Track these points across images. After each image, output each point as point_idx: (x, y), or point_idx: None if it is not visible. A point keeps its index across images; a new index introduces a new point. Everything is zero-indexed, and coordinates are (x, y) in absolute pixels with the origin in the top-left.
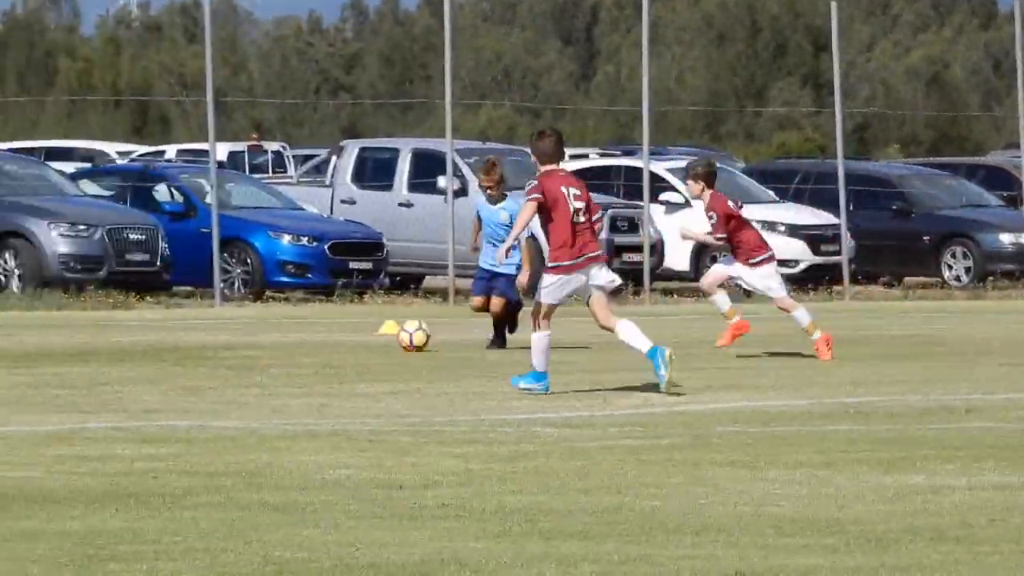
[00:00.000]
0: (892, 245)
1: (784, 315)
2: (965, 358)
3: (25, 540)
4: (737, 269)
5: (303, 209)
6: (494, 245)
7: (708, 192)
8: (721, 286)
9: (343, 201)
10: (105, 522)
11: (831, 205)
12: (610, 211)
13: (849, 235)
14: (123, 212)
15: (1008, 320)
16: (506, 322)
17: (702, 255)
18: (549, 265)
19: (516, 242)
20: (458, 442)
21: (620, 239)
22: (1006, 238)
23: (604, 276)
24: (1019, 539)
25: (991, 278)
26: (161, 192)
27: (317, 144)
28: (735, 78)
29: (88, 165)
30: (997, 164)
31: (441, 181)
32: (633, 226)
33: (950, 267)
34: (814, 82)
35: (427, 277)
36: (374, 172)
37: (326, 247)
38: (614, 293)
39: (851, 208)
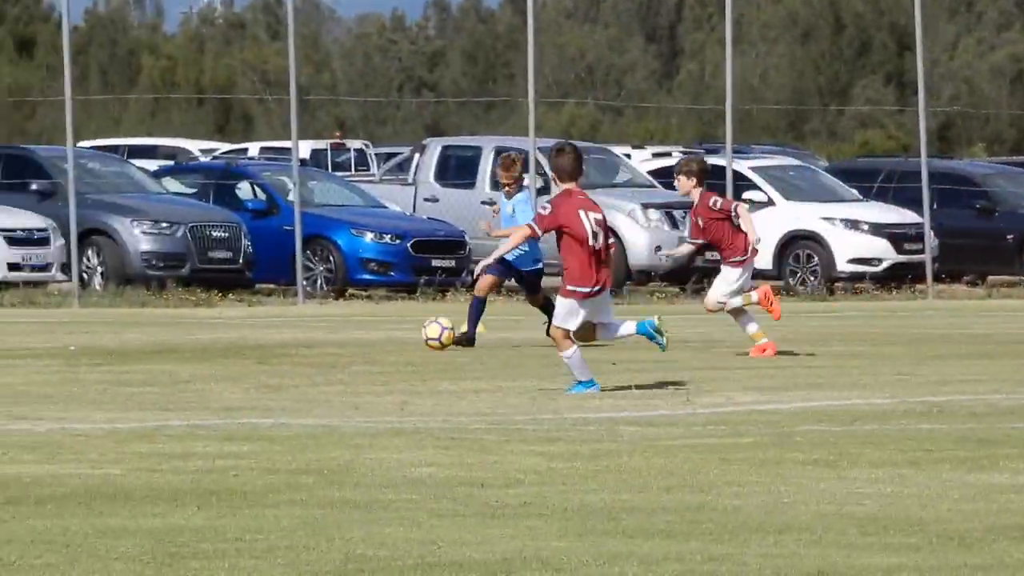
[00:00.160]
0: (975, 244)
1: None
2: None
3: (107, 538)
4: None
5: (386, 207)
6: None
7: (698, 191)
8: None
9: (426, 199)
10: (186, 520)
11: (914, 204)
12: None
13: (932, 234)
14: (205, 209)
15: None
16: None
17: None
18: (567, 288)
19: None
20: (540, 440)
21: None
22: None
23: (608, 311)
24: None
25: None
26: (244, 190)
27: (400, 142)
28: (819, 76)
29: (171, 163)
30: None
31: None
32: None
33: None
34: (898, 80)
35: None
36: (457, 170)
37: (409, 245)
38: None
39: (934, 207)
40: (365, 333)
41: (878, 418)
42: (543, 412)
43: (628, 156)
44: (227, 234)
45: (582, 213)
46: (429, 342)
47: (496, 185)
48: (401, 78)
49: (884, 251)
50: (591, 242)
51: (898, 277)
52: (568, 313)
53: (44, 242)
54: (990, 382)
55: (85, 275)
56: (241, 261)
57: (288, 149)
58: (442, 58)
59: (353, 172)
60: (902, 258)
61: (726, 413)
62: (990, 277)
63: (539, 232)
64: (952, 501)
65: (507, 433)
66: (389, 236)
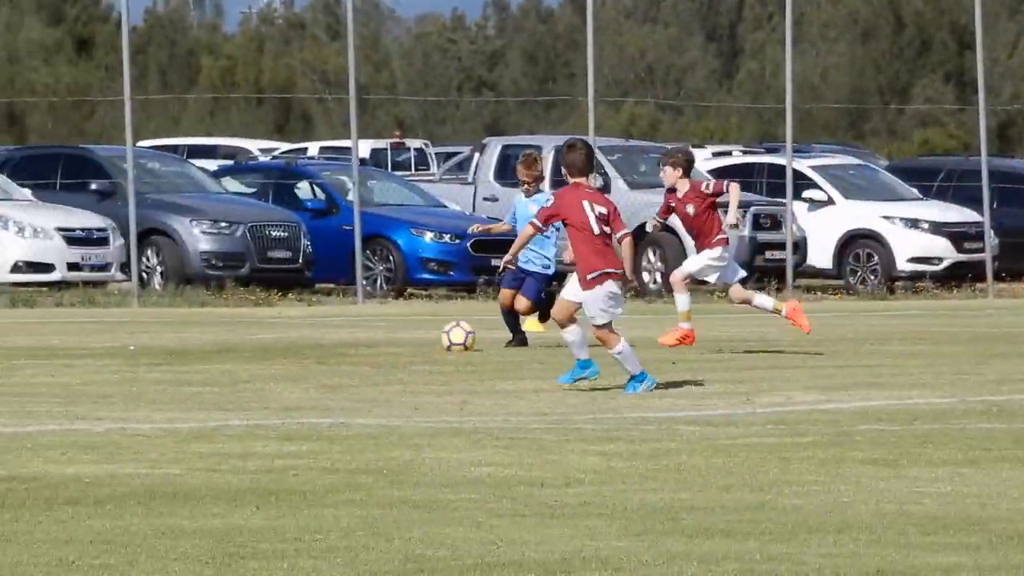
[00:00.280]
0: None
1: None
2: None
3: (166, 537)
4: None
5: (445, 206)
6: None
7: (685, 181)
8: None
9: (485, 198)
10: (246, 520)
11: (974, 202)
12: (753, 208)
13: (993, 232)
14: (265, 209)
15: None
16: (516, 317)
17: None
18: (588, 278)
19: (547, 237)
20: (599, 440)
21: (763, 236)
22: None
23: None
24: None
25: None
26: (303, 189)
27: (459, 141)
28: (879, 75)
29: (230, 162)
30: None
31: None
32: (776, 223)
33: None
34: (958, 79)
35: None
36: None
37: (468, 244)
38: None
39: (994, 205)
40: (425, 333)
41: (938, 417)
42: (602, 411)
43: None
44: (287, 234)
45: (586, 204)
46: (453, 347)
47: (555, 184)
48: (461, 78)
49: (944, 250)
50: (595, 230)
51: (958, 276)
52: (598, 305)
53: (104, 242)
54: None
55: (145, 275)
56: (301, 261)
57: (348, 149)
58: (502, 58)
59: (413, 171)
60: (962, 257)
61: (785, 412)
62: None
63: (540, 225)
64: (1011, 500)
65: (566, 432)
66: (449, 236)
